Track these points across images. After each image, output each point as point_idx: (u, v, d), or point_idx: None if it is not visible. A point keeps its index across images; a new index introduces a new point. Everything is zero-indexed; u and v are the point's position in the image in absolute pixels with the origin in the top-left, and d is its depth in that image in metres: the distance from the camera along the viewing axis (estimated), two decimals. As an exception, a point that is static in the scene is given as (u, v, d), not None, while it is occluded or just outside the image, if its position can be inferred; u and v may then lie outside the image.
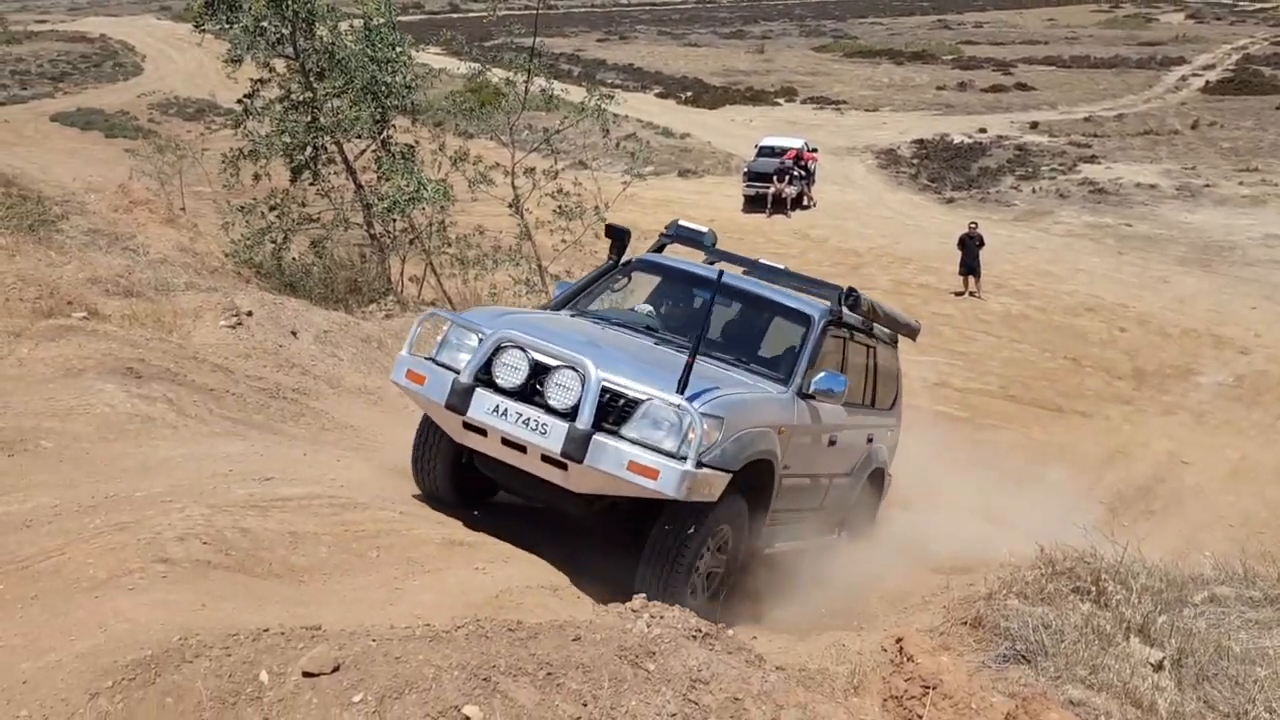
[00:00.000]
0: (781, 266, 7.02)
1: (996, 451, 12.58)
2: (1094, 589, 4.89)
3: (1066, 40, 63.42)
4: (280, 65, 15.03)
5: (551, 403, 5.06)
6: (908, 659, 3.87)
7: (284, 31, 14.28)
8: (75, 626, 3.73)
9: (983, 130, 38.75)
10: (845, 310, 6.57)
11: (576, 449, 4.91)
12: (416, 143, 15.35)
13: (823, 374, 6.03)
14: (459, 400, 5.21)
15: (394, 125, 15.28)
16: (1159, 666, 4.25)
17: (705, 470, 4.93)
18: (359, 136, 15.02)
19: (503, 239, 17.06)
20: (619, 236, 6.71)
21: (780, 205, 28.61)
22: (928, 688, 3.74)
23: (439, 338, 5.61)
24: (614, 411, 5.05)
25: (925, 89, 48.70)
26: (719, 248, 7.03)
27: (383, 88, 14.51)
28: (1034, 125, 39.84)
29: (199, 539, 4.54)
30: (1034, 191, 31.42)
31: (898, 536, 7.67)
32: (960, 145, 36.81)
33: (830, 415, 6.37)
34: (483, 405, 5.17)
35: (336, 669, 3.38)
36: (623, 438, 4.97)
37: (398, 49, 14.71)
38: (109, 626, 3.71)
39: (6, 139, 31.79)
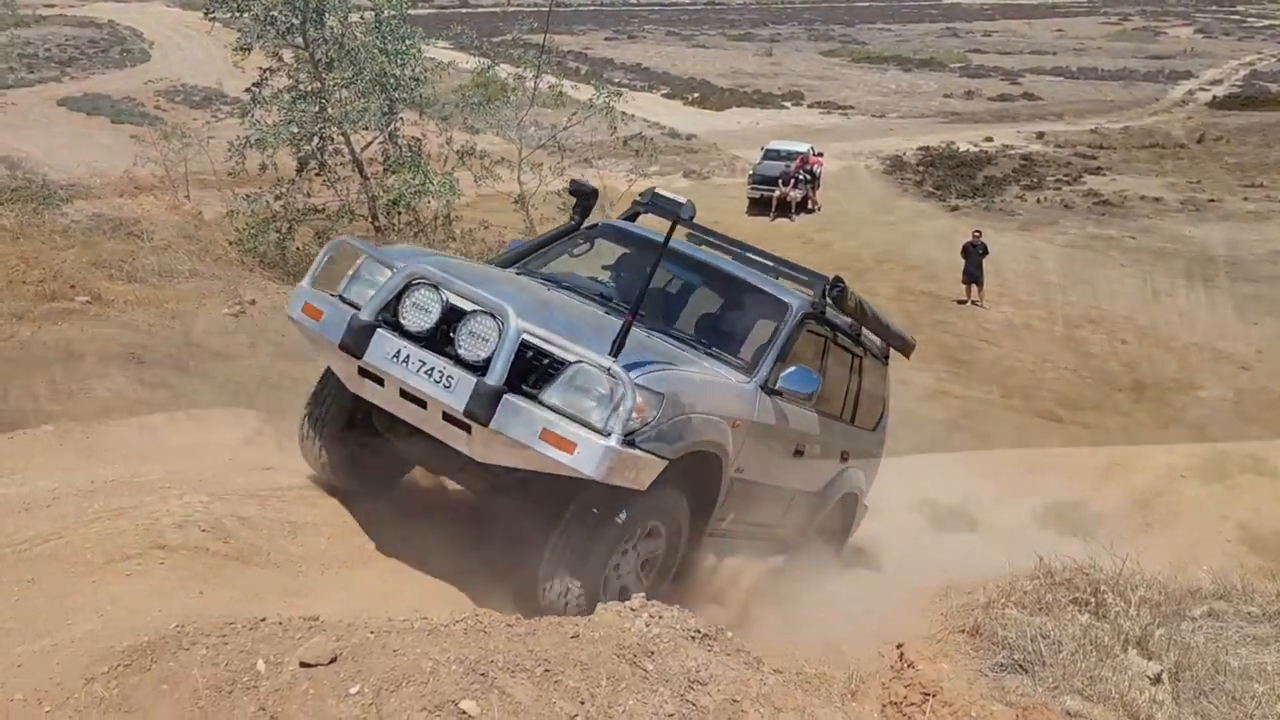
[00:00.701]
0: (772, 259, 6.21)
1: (994, 461, 12.56)
2: (1092, 600, 4.87)
3: (1074, 51, 63.40)
4: (289, 55, 15.05)
5: (462, 353, 4.32)
6: (908, 665, 3.86)
7: (294, 21, 14.30)
8: (72, 611, 3.73)
9: (989, 139, 38.73)
10: (828, 304, 5.79)
11: (482, 408, 4.15)
12: (424, 136, 15.38)
13: (793, 369, 5.24)
14: (355, 340, 4.41)
15: (401, 118, 15.30)
16: (1156, 680, 4.24)
17: (634, 451, 4.16)
18: (366, 128, 15.04)
19: (507, 234, 17.07)
20: (585, 196, 5.92)
21: (785, 209, 28.63)
22: (927, 695, 3.73)
23: (350, 271, 4.84)
24: (537, 371, 4.30)
25: (932, 96, 48.69)
26: (699, 223, 6.11)
27: (391, 80, 14.53)
28: (1040, 136, 39.85)
29: (197, 526, 4.54)
30: (1038, 202, 31.43)
31: (886, 554, 7.50)
32: (966, 154, 36.81)
33: (798, 420, 5.57)
34: (382, 349, 4.39)
35: (334, 660, 3.38)
36: (541, 403, 4.21)
37: (407, 42, 14.74)
38: (106, 612, 3.71)
39: (13, 122, 31.74)
